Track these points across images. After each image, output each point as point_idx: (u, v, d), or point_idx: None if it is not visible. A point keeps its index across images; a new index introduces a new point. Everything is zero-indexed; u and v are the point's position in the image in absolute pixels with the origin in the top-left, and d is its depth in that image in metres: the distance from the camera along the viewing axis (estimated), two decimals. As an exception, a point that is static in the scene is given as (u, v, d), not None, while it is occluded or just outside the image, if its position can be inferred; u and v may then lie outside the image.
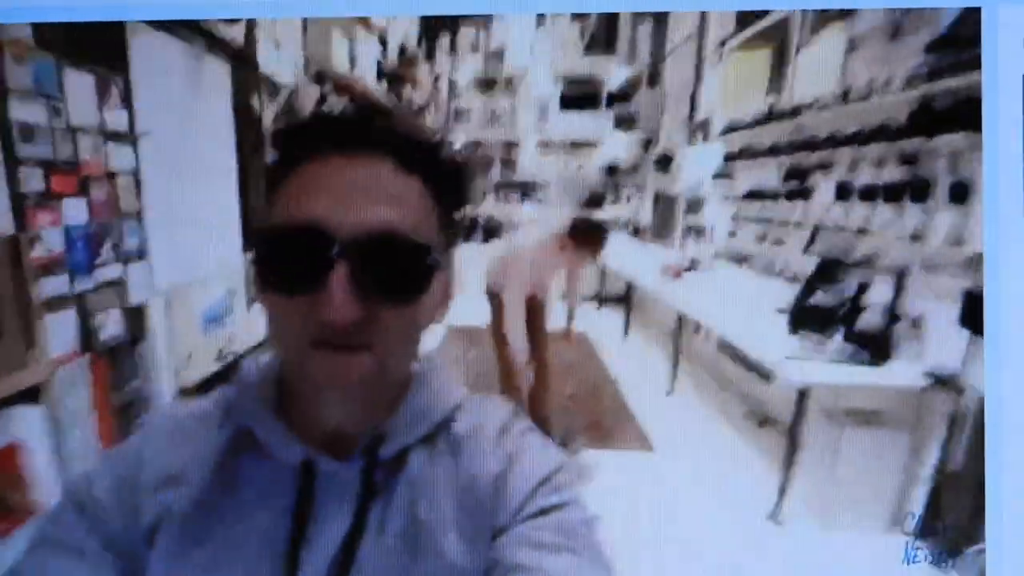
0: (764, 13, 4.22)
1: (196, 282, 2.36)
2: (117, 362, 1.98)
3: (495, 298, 3.10)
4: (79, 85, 1.77)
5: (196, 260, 2.34)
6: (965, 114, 2.32)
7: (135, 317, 2.06)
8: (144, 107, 2.04)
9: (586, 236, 2.88)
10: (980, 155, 2.24)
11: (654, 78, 7.09)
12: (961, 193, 2.37)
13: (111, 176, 1.91)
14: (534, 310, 3.02)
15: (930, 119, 2.49)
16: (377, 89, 4.83)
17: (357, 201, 0.51)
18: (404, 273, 0.52)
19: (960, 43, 2.33)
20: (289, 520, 0.56)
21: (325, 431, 0.57)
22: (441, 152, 0.57)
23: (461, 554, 0.56)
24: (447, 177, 0.57)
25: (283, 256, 0.51)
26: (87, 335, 1.83)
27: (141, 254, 2.08)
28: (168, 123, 2.18)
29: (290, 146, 0.55)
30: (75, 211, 1.77)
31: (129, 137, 1.99)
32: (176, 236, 2.23)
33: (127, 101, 1.98)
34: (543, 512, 0.57)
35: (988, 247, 0.86)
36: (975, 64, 2.24)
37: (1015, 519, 0.82)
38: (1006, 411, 0.85)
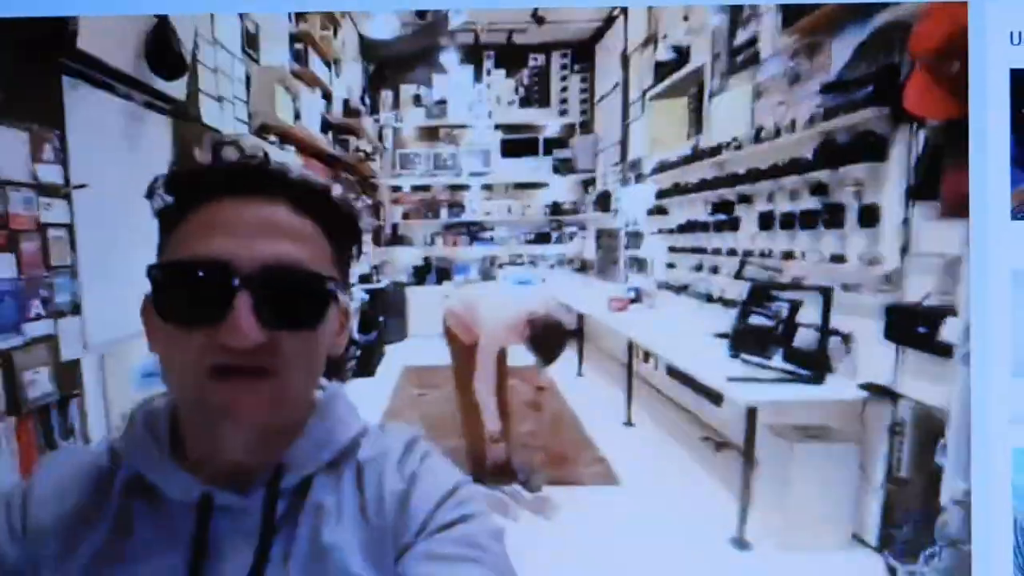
0: (680, 65, 4.54)
1: (132, 337, 2.19)
2: (47, 422, 1.90)
3: (457, 343, 3.16)
4: (11, 141, 1.76)
5: (133, 315, 2.25)
6: (864, 146, 2.55)
7: (67, 374, 1.99)
8: (80, 162, 2.04)
9: (546, 339, 2.87)
10: (881, 182, 2.51)
11: (587, 125, 7.46)
12: (870, 217, 2.57)
13: (43, 230, 1.88)
14: (499, 360, 3.08)
15: (833, 153, 2.73)
16: (322, 139, 4.93)
17: (255, 236, 0.53)
18: (303, 301, 0.55)
19: (850, 85, 2.59)
20: (187, 559, 0.55)
21: (225, 465, 0.57)
22: (331, 195, 0.59)
23: (362, 541, 0.58)
24: (338, 218, 0.59)
25: (185, 289, 0.53)
26: (14, 395, 1.74)
27: (75, 309, 2.03)
28: (105, 178, 2.16)
29: (187, 190, 0.56)
30: (3, 266, 1.72)
31: (63, 191, 1.97)
32: (112, 291, 2.17)
33: (62, 156, 1.97)
34: (446, 527, 0.57)
35: (975, 248, 0.85)
36: (865, 103, 2.49)
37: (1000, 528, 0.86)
38: (991, 415, 0.88)
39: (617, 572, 2.39)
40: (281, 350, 0.53)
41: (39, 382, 1.85)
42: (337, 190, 0.60)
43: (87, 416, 2.09)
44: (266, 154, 0.58)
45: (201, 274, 0.52)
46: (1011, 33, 0.85)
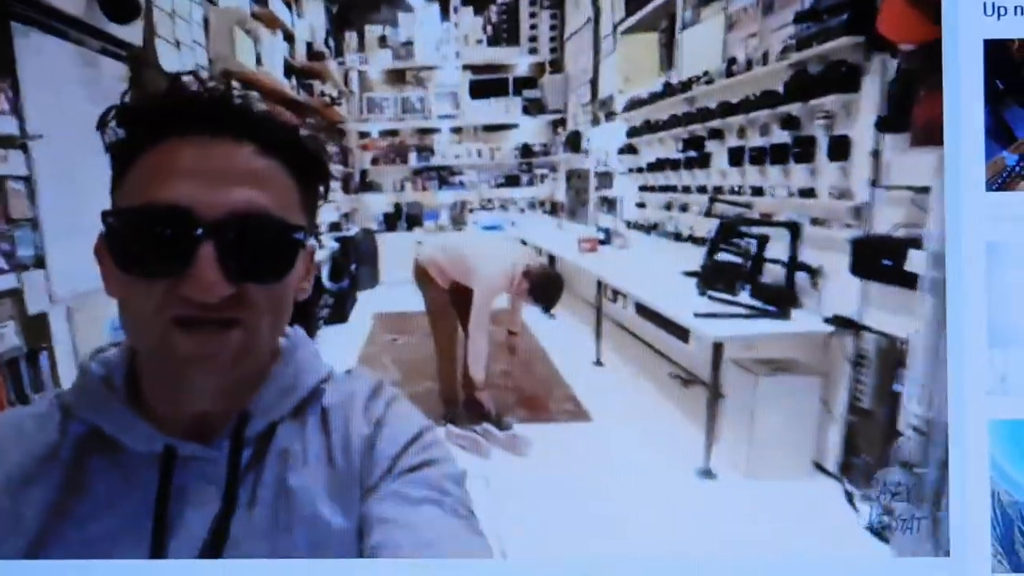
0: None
1: (99, 290, 2.24)
2: (17, 375, 1.89)
3: (434, 287, 3.21)
4: None
5: (98, 267, 2.24)
6: (836, 77, 2.53)
7: (34, 328, 1.97)
8: (35, 112, 1.98)
9: (544, 289, 3.07)
10: (852, 114, 2.50)
11: (557, 63, 7.29)
12: (841, 150, 2.57)
13: (1, 183, 1.84)
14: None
15: (805, 84, 2.70)
16: (286, 84, 4.77)
17: (220, 181, 0.50)
18: (270, 251, 0.52)
19: (824, 13, 2.54)
20: (150, 511, 0.54)
21: (188, 416, 0.56)
22: (298, 134, 0.56)
23: (335, 519, 0.57)
24: (306, 159, 0.56)
25: (144, 238, 0.49)
26: None
27: (38, 262, 2.00)
28: (63, 127, 2.09)
29: (143, 125, 0.52)
30: None
31: (18, 142, 1.91)
32: (76, 242, 2.11)
33: (16, 106, 1.90)
34: (411, 470, 0.58)
35: (950, 220, 0.84)
36: (838, 31, 2.45)
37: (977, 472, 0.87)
38: (967, 374, 0.88)
39: (588, 505, 2.45)
40: (247, 300, 0.51)
41: (6, 336, 1.84)
42: (304, 129, 0.57)
43: (57, 368, 2.07)
44: (228, 86, 0.55)
45: (161, 222, 0.49)
46: (984, 3, 0.85)
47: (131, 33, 2.51)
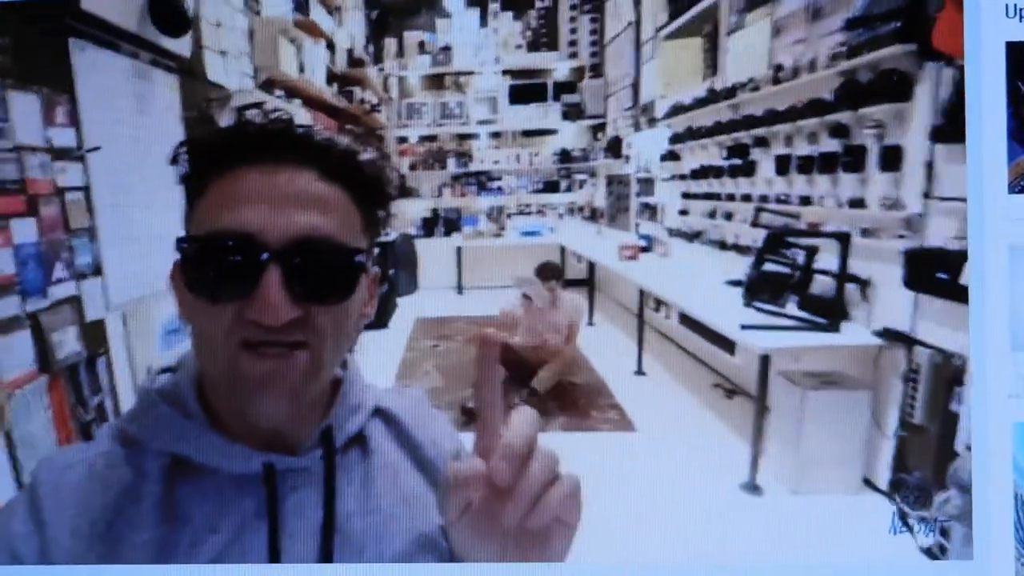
0: (695, 1, 4.36)
1: (153, 295, 2.35)
2: (77, 380, 1.95)
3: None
4: (24, 105, 1.76)
5: (151, 274, 2.32)
6: (888, 86, 2.46)
7: (93, 333, 2.03)
8: (92, 124, 2.04)
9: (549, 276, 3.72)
10: (905, 123, 2.43)
11: (597, 68, 7.25)
12: (892, 160, 2.50)
13: (60, 194, 1.89)
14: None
15: (855, 92, 2.63)
16: (328, 92, 4.85)
17: (284, 207, 0.52)
18: (333, 274, 0.54)
19: (875, 20, 2.48)
20: (254, 528, 0.55)
21: (263, 434, 0.57)
22: (360, 160, 0.57)
23: (431, 524, 0.61)
24: (367, 183, 0.58)
25: (213, 263, 0.51)
26: (44, 355, 1.79)
27: (96, 270, 2.06)
28: (117, 139, 2.17)
29: (211, 157, 0.55)
30: (24, 231, 1.74)
31: (77, 154, 1.97)
32: (130, 250, 2.22)
33: (74, 119, 1.97)
34: None
35: (972, 223, 0.84)
36: (890, 39, 2.39)
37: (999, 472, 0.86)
38: (990, 376, 0.88)
39: (632, 518, 2.42)
40: (313, 323, 0.53)
41: (66, 342, 1.89)
42: (366, 153, 0.58)
43: (114, 373, 2.14)
44: (291, 117, 0.56)
45: (229, 248, 0.51)
46: (1006, 6, 0.84)
47: (180, 45, 2.56)
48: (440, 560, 0.61)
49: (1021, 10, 0.84)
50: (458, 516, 0.41)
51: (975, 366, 0.85)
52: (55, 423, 1.83)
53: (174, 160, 0.56)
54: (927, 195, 2.36)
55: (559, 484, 0.42)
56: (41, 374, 1.79)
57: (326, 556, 0.57)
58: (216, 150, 0.55)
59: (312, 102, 4.53)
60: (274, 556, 0.55)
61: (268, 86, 3.66)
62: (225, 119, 2.90)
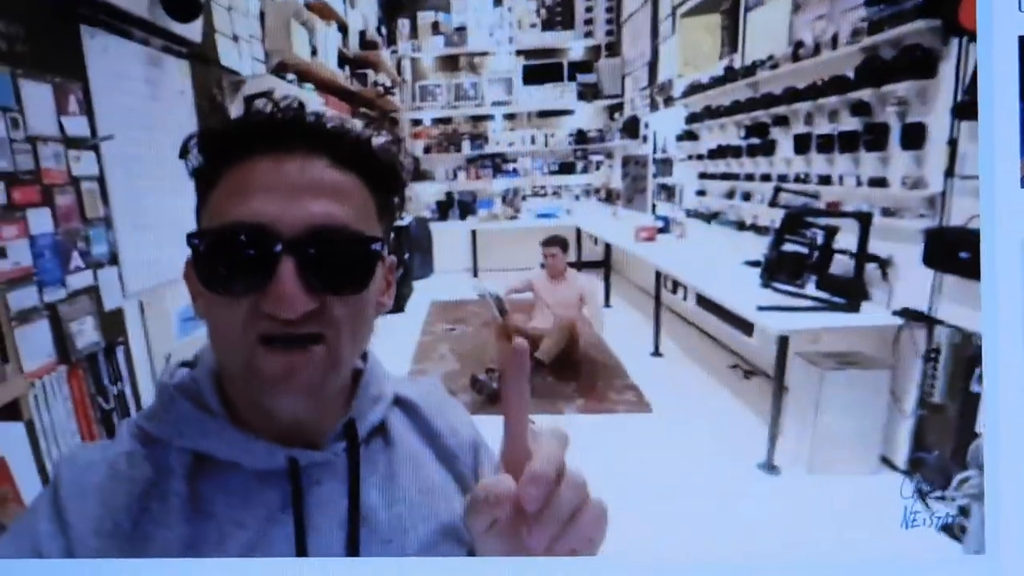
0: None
1: (168, 284, 2.35)
2: (96, 369, 1.96)
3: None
4: (37, 94, 1.75)
5: (167, 262, 2.34)
6: (911, 62, 2.41)
7: (111, 323, 2.04)
8: (104, 112, 2.03)
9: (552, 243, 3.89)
10: (928, 100, 2.38)
11: (613, 47, 7.15)
12: (914, 138, 2.46)
13: (75, 183, 1.89)
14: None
15: (877, 69, 2.58)
16: (340, 75, 4.83)
17: (297, 196, 0.50)
18: (350, 264, 0.52)
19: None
20: (280, 522, 0.55)
21: (283, 428, 0.56)
22: (372, 145, 0.56)
23: (446, 483, 0.64)
24: (380, 169, 0.56)
25: (226, 257, 0.50)
26: (63, 345, 1.80)
27: (112, 259, 2.07)
28: (131, 126, 2.16)
29: (220, 148, 0.53)
30: (40, 221, 1.74)
31: (90, 143, 1.97)
32: (146, 239, 2.22)
33: (87, 107, 1.96)
34: None
35: (984, 219, 0.81)
36: (913, 14, 2.33)
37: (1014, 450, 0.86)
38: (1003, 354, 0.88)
39: (648, 498, 2.44)
40: (329, 315, 0.52)
41: (85, 332, 1.90)
42: (378, 139, 0.56)
43: (133, 361, 2.15)
44: (301, 104, 0.55)
45: (241, 240, 0.50)
46: (1019, 0, 0.82)
47: (191, 30, 2.54)
48: (462, 547, 0.61)
49: None
50: (484, 531, 0.40)
51: (987, 360, 0.81)
52: (76, 412, 1.84)
53: (184, 153, 0.55)
54: (949, 174, 2.32)
55: (587, 509, 0.42)
56: (60, 364, 1.80)
57: (353, 548, 0.57)
58: (226, 141, 0.53)
59: (325, 86, 4.50)
60: (301, 550, 0.55)
61: (280, 70, 3.63)
62: (236, 108, 2.90)
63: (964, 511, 2.07)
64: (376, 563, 0.58)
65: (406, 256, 6.07)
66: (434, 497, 0.62)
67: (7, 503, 1.54)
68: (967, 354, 2.25)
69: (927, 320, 2.42)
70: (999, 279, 0.80)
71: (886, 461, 2.61)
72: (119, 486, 0.54)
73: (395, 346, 4.41)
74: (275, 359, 0.50)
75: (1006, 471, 0.81)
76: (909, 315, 2.49)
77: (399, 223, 6.18)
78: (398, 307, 5.55)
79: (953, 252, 2.22)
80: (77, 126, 1.91)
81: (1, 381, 1.51)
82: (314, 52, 4.08)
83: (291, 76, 3.74)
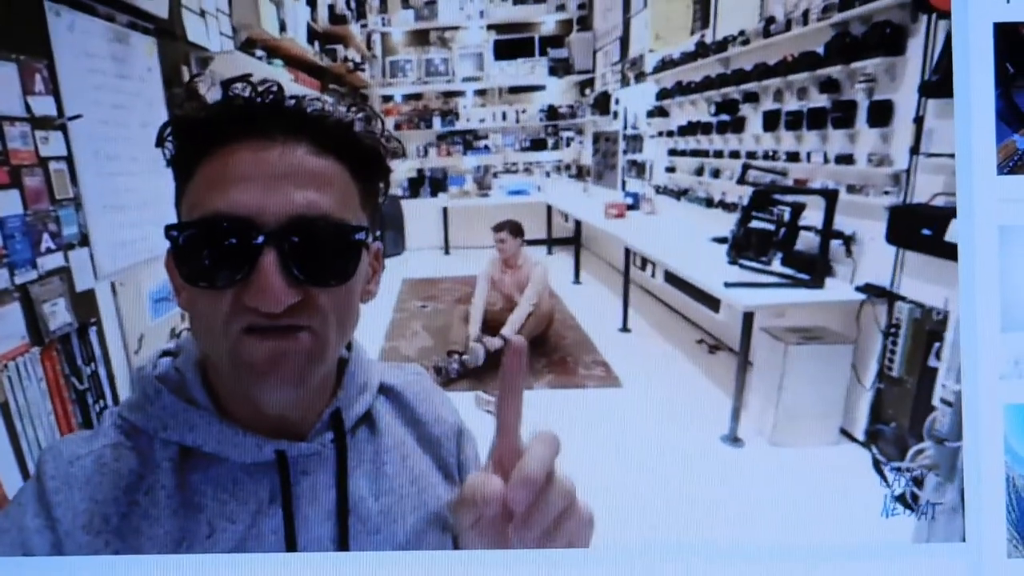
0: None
1: (141, 264, 2.30)
2: (70, 350, 1.95)
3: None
4: (1, 74, 1.71)
5: (138, 243, 2.29)
6: (880, 38, 2.43)
7: (83, 304, 2.03)
8: (71, 91, 1.98)
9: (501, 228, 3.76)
10: (896, 77, 2.41)
11: (585, 21, 7.09)
12: (882, 115, 2.49)
13: (43, 164, 1.85)
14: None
15: (847, 45, 2.60)
16: (310, 51, 4.72)
17: (278, 186, 0.49)
18: (333, 254, 0.51)
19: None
20: (269, 514, 0.55)
21: (270, 420, 0.56)
22: (354, 131, 0.55)
23: (431, 471, 0.65)
24: (362, 154, 0.55)
25: (206, 249, 0.49)
26: (35, 326, 1.79)
27: (83, 240, 2.03)
28: (99, 105, 2.11)
29: (198, 136, 0.52)
30: (8, 203, 1.72)
31: (58, 123, 1.92)
32: (117, 219, 2.18)
33: (53, 86, 1.91)
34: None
35: (962, 206, 0.85)
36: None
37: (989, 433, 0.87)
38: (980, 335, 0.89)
39: (617, 470, 2.48)
40: (313, 306, 0.51)
41: (58, 313, 1.89)
42: (360, 122, 0.55)
43: (107, 342, 2.14)
44: (280, 88, 0.53)
45: (222, 233, 0.49)
46: None
47: (157, 5, 2.47)
48: (446, 535, 0.63)
49: None
50: (470, 526, 0.41)
51: (965, 348, 0.85)
52: (50, 393, 1.84)
53: (160, 142, 0.53)
54: (915, 151, 2.36)
55: (573, 515, 0.42)
56: (33, 346, 1.78)
57: (342, 538, 0.57)
58: (202, 129, 0.52)
59: (294, 61, 4.41)
60: (290, 541, 0.55)
61: (249, 46, 3.53)
62: (211, 93, 2.81)
63: (918, 481, 2.13)
64: (362, 557, 0.59)
65: (378, 233, 5.99)
66: (421, 486, 0.63)
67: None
68: (926, 329, 2.31)
69: (889, 296, 2.47)
70: (976, 265, 0.83)
71: (845, 433, 2.67)
72: (106, 479, 0.53)
73: (368, 324, 4.21)
74: (260, 346, 0.50)
75: (986, 459, 0.82)
76: (871, 291, 2.54)
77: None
78: (368, 285, 5.49)
79: (916, 229, 2.26)
80: (44, 106, 1.87)
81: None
82: (283, 27, 3.97)
83: (260, 52, 3.64)
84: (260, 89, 0.52)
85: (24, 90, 1.78)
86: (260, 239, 0.48)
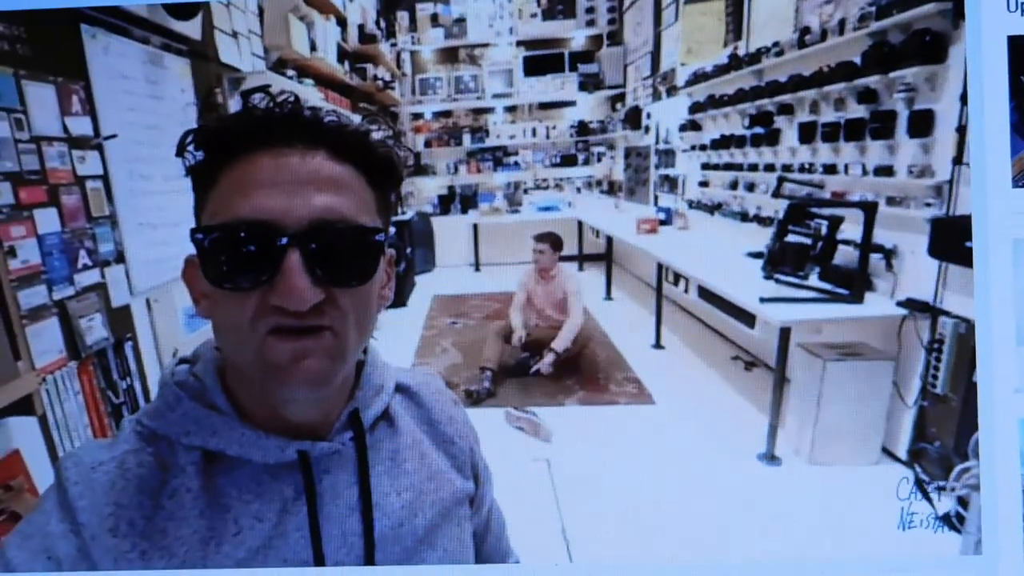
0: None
1: (174, 281, 2.32)
2: (106, 364, 2.00)
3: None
4: (40, 95, 1.76)
5: (172, 259, 2.34)
6: (920, 47, 2.36)
7: (119, 319, 2.08)
8: (107, 112, 2.04)
9: (543, 239, 3.76)
10: (937, 86, 2.33)
11: (615, 36, 7.08)
12: (922, 125, 2.42)
13: (80, 182, 1.92)
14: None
15: (885, 55, 2.54)
16: (340, 70, 4.80)
17: (299, 190, 0.51)
18: (354, 255, 0.53)
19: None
20: (294, 512, 0.57)
21: (290, 422, 0.58)
22: (369, 139, 0.57)
23: (460, 491, 0.69)
24: (377, 162, 0.57)
25: (233, 252, 0.51)
26: (73, 341, 1.84)
27: (119, 257, 2.10)
28: (133, 126, 2.18)
29: (220, 144, 0.54)
30: (47, 221, 1.77)
31: (94, 142, 1.99)
32: (151, 237, 2.25)
33: (89, 107, 1.97)
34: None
35: (976, 219, 0.85)
36: (921, -2, 2.29)
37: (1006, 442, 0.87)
38: (996, 338, 0.88)
39: (649, 489, 2.43)
40: (336, 305, 0.53)
41: (94, 328, 1.94)
42: (376, 133, 0.58)
43: (142, 357, 2.20)
44: (297, 98, 0.55)
45: (247, 235, 0.51)
46: (1007, 0, 0.85)
47: (191, 28, 2.54)
48: (457, 526, 0.67)
49: (1022, 4, 0.84)
50: None
51: (981, 361, 0.85)
52: (87, 407, 1.88)
53: (181, 151, 0.55)
54: (957, 161, 2.27)
55: None
56: (71, 360, 1.83)
57: (367, 533, 0.59)
58: (225, 138, 0.54)
59: (324, 80, 4.48)
60: (315, 537, 0.57)
61: (280, 66, 3.62)
62: (233, 104, 2.87)
63: (963, 502, 2.05)
64: (391, 571, 0.61)
65: (408, 251, 6.04)
66: (438, 481, 0.66)
67: (22, 493, 1.58)
68: (971, 345, 2.22)
69: (931, 311, 2.39)
70: (991, 278, 0.84)
71: (888, 452, 2.58)
72: (130, 484, 0.54)
73: (398, 340, 4.38)
74: (285, 346, 0.51)
75: (1002, 472, 0.82)
76: (913, 305, 2.45)
77: (401, 217, 6.18)
78: (401, 302, 5.52)
79: (959, 242, 2.18)
80: (80, 126, 1.93)
81: (14, 377, 1.54)
82: (313, 47, 4.05)
83: (291, 72, 3.72)
84: (279, 100, 0.55)
85: (62, 111, 1.85)
86: (284, 240, 0.50)
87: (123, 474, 0.55)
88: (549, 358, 3.55)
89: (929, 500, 2.27)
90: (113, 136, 2.05)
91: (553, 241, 3.82)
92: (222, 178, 0.53)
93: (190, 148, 0.55)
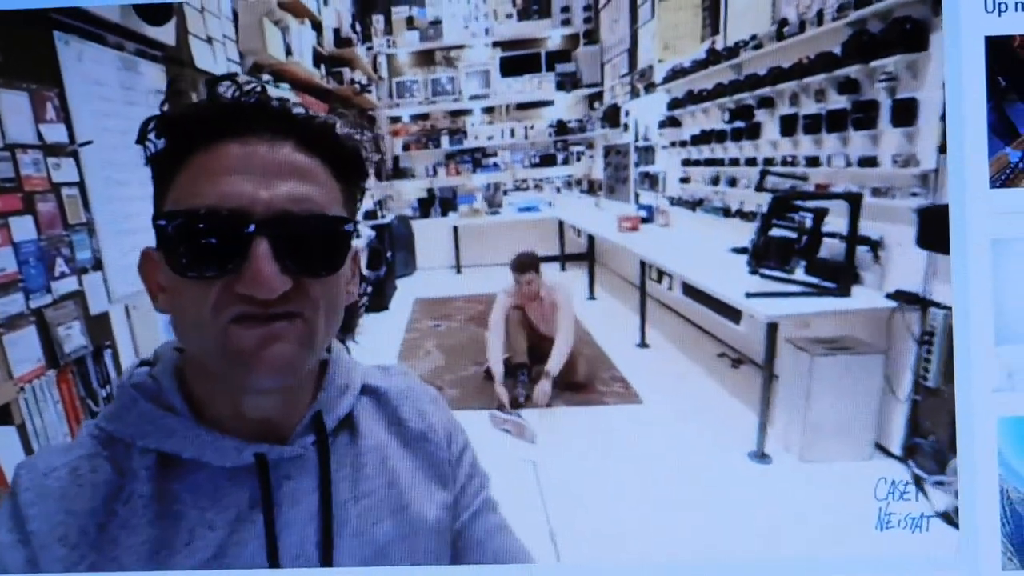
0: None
1: None
2: (85, 372, 1.99)
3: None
4: (14, 102, 1.76)
5: None
6: (900, 35, 2.35)
7: (97, 327, 2.07)
8: (82, 118, 2.03)
9: (525, 268, 3.40)
10: (919, 74, 2.33)
11: (591, 34, 7.08)
12: (906, 114, 2.41)
13: (56, 190, 1.90)
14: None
15: (866, 44, 2.53)
16: (316, 74, 4.74)
17: (267, 178, 0.51)
18: (323, 244, 0.53)
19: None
20: (250, 519, 0.55)
21: (253, 423, 0.57)
22: (336, 131, 0.57)
23: (429, 503, 0.65)
24: (344, 155, 0.57)
25: (198, 239, 0.50)
26: (51, 350, 1.83)
27: (96, 264, 2.08)
28: (109, 132, 2.16)
29: (184, 133, 0.53)
30: (23, 228, 1.76)
31: (69, 149, 1.97)
32: (129, 243, 2.23)
33: (64, 114, 1.96)
34: (475, 476, 0.71)
35: (954, 220, 0.86)
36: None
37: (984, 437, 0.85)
38: (974, 329, 0.86)
39: (638, 489, 2.41)
40: (305, 294, 0.52)
41: (73, 336, 1.94)
42: (342, 127, 0.58)
43: (121, 364, 2.18)
44: (264, 87, 0.55)
45: (214, 222, 0.50)
46: (984, 1, 0.85)
47: (165, 33, 2.52)
48: (429, 536, 0.63)
49: (1000, 5, 0.85)
50: None
51: (959, 361, 0.85)
52: (67, 415, 1.88)
53: (141, 138, 0.54)
54: (943, 149, 2.26)
55: None
56: (49, 368, 1.83)
57: (326, 543, 0.57)
58: (191, 125, 0.53)
59: (301, 85, 4.44)
60: (271, 547, 0.55)
61: (256, 71, 3.59)
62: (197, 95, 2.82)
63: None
64: (347, 574, 0.58)
65: (389, 254, 5.98)
66: (402, 489, 0.63)
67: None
68: (962, 337, 2.21)
69: (921, 302, 2.37)
70: (970, 278, 0.84)
71: (881, 448, 2.56)
72: (82, 491, 0.53)
73: (380, 344, 4.33)
74: (252, 332, 0.50)
75: (982, 472, 0.82)
76: (902, 297, 2.43)
77: (381, 221, 6.12)
78: (382, 305, 5.46)
79: (947, 230, 2.16)
80: (55, 133, 1.93)
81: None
82: (289, 51, 4.01)
83: (267, 76, 3.67)
84: (245, 89, 0.54)
85: (36, 118, 1.84)
86: (251, 228, 0.49)
87: (76, 480, 0.53)
88: (545, 386, 3.22)
89: (927, 496, 2.27)
90: (88, 143, 2.03)
91: (536, 266, 3.50)
92: (186, 167, 0.52)
93: (151, 136, 0.54)
